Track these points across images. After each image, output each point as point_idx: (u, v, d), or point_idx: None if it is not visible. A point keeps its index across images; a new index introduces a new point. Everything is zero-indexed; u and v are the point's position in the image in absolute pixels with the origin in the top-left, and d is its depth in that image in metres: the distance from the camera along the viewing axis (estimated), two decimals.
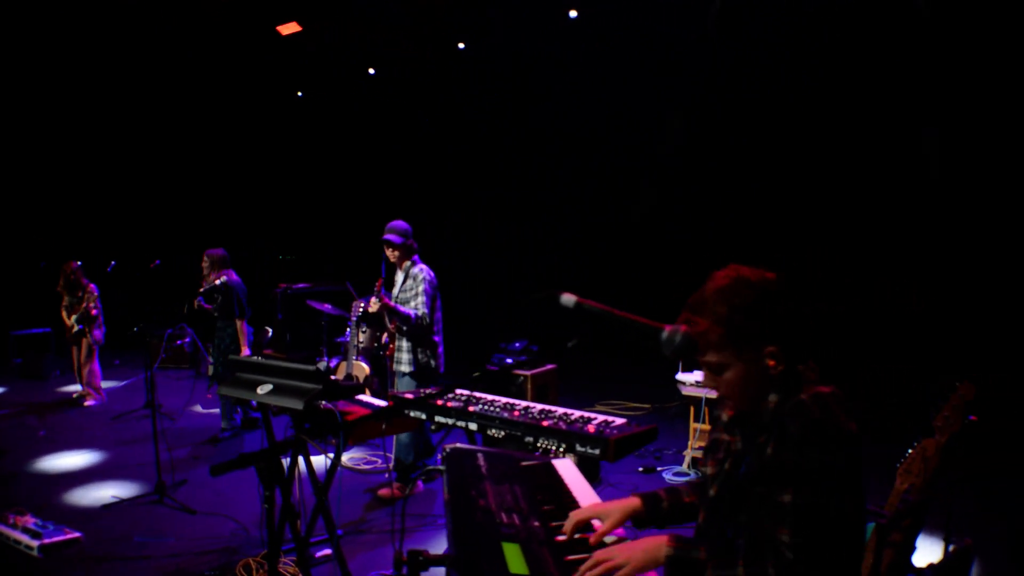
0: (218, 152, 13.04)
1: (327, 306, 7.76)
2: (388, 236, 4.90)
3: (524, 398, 5.69)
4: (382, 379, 7.04)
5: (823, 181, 8.23)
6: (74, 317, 7.66)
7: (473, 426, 2.87)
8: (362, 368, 6.67)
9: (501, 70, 10.18)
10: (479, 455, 2.36)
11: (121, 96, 11.80)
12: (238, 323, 6.44)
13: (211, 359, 6.81)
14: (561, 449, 2.60)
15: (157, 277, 8.01)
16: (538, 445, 2.66)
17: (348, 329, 7.70)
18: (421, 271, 4.89)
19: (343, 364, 6.77)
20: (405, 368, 4.91)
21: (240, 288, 6.44)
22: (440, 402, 3.02)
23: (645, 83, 9.21)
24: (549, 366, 5.93)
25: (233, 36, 10.70)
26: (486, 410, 2.89)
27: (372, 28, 9.63)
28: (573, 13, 9.02)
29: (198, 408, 7.66)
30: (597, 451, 2.53)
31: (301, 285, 8.84)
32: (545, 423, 2.69)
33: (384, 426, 3.23)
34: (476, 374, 7.10)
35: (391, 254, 4.93)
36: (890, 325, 7.35)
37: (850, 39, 7.55)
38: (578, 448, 2.57)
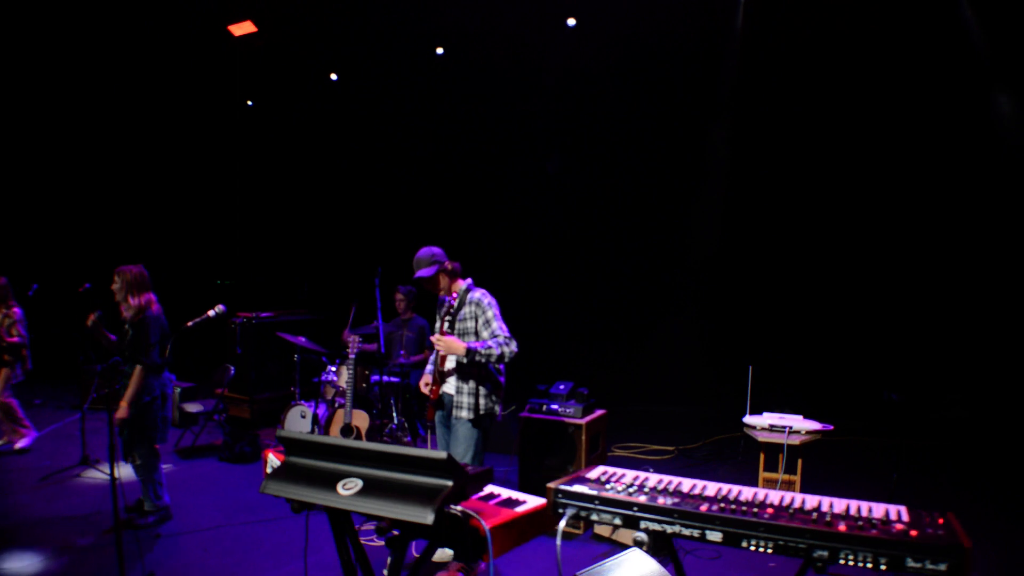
0: (152, 166, 11.56)
1: (302, 339, 6.65)
2: (419, 273, 4.04)
3: (575, 453, 4.84)
4: (375, 427, 6.01)
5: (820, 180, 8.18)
6: None
7: (716, 536, 1.99)
8: (363, 417, 5.61)
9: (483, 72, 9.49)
10: None
11: (41, 104, 10.36)
12: (137, 369, 4.63)
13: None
14: (882, 566, 1.80)
15: (87, 302, 6.65)
16: (839, 560, 1.85)
17: (331, 368, 6.59)
18: (484, 297, 4.08)
19: (339, 412, 5.68)
20: (465, 415, 4.01)
21: (155, 324, 4.76)
22: (644, 499, 2.13)
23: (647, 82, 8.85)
24: (599, 412, 5.10)
25: (178, 38, 9.58)
26: (734, 512, 2.03)
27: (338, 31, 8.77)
28: (571, 21, 8.46)
29: None
30: (943, 566, 1.75)
31: (266, 314, 7.63)
32: (841, 527, 1.88)
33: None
34: (510, 409, 6.20)
35: (432, 288, 4.14)
36: None
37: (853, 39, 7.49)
38: (910, 563, 1.78)
